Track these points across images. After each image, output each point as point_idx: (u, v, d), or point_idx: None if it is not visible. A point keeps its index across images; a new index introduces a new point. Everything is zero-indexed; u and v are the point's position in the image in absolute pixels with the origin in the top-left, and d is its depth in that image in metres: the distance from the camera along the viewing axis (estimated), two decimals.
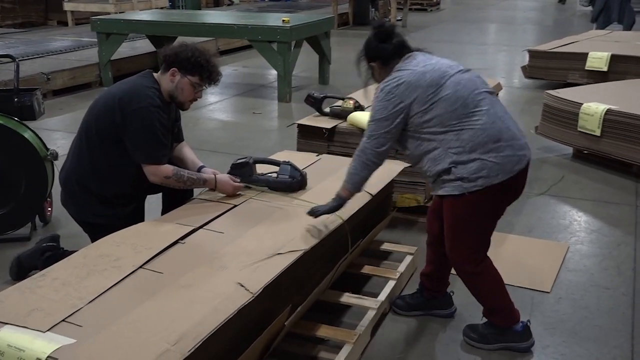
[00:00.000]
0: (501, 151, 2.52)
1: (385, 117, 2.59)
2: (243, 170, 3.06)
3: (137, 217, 3.09)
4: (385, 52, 2.70)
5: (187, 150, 3.24)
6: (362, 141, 2.65)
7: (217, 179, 2.99)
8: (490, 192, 2.53)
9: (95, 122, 3.00)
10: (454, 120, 2.53)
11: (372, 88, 2.80)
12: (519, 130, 2.64)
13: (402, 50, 2.72)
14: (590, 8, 12.80)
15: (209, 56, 3.01)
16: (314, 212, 2.69)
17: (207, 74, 2.99)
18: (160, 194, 3.29)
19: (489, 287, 2.78)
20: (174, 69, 2.95)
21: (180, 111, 3.21)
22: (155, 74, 3.04)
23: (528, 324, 2.79)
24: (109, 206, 3.06)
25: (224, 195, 3.02)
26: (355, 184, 2.68)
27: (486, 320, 2.83)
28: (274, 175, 3.09)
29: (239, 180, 3.03)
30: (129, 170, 3.01)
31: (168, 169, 2.95)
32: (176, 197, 3.11)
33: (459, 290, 2.97)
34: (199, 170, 3.14)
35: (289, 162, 3.11)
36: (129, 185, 3.08)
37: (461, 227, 2.66)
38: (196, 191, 3.20)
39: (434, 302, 3.02)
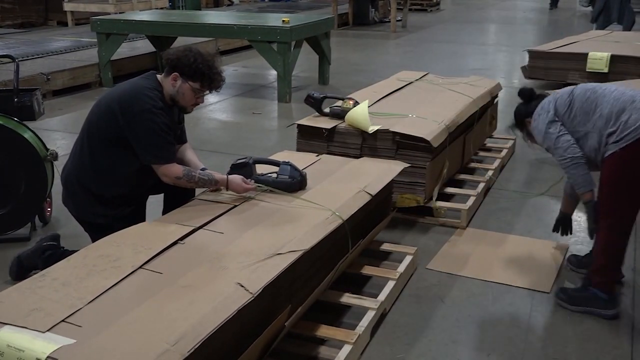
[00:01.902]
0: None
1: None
2: (243, 171, 3.06)
3: (138, 217, 3.08)
4: (532, 108, 3.30)
5: (189, 153, 3.22)
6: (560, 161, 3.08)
7: (229, 179, 2.97)
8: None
9: (97, 123, 3.00)
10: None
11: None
12: None
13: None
14: (590, 8, 12.81)
15: (212, 62, 2.99)
16: (591, 232, 3.15)
17: (208, 81, 2.98)
18: (161, 195, 3.29)
19: (613, 248, 3.05)
20: (175, 73, 2.94)
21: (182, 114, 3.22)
22: (158, 76, 3.03)
23: (618, 295, 3.07)
24: (109, 206, 3.06)
25: (224, 195, 3.02)
26: (588, 184, 3.02)
27: (582, 284, 3.15)
28: (274, 175, 3.09)
29: (251, 182, 3.01)
30: (128, 171, 3.01)
31: (179, 169, 2.94)
32: (177, 198, 3.11)
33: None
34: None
35: (288, 162, 3.11)
36: (129, 186, 3.08)
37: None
38: (197, 192, 3.21)
39: (598, 301, 3.04)
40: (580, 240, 3.82)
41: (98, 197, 3.05)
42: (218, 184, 2.99)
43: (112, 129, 2.94)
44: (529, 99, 3.43)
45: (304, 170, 3.14)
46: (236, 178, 2.98)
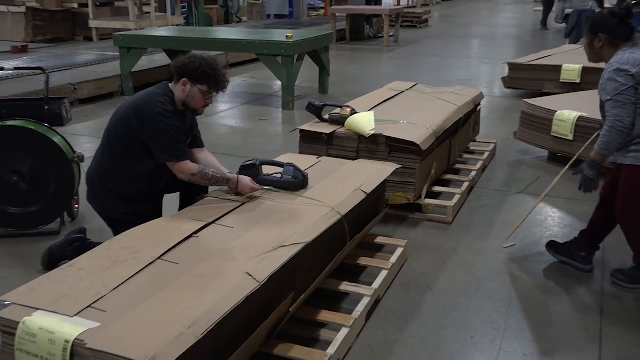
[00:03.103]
0: None
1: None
2: (251, 171, 3.06)
3: (155, 214, 3.09)
4: (615, 32, 2.89)
5: (210, 157, 3.22)
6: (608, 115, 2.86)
7: (239, 179, 2.97)
8: None
9: (116, 128, 3.02)
10: None
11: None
12: None
13: (630, 39, 2.91)
14: (564, 25, 12.82)
15: (216, 65, 3.00)
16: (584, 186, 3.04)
17: (214, 83, 2.98)
18: (177, 194, 3.30)
19: None
20: (184, 79, 2.95)
21: (196, 119, 3.22)
22: (170, 85, 3.04)
23: None
24: (128, 204, 3.06)
25: (234, 194, 3.02)
26: (610, 150, 2.92)
27: (635, 265, 3.14)
28: (279, 175, 3.09)
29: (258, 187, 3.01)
30: (144, 172, 3.02)
31: (193, 166, 2.95)
32: (191, 196, 3.12)
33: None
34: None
35: (292, 163, 3.11)
36: (144, 185, 3.08)
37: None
38: (209, 190, 3.21)
39: None
40: (554, 234, 3.83)
41: (118, 195, 3.05)
42: (229, 182, 2.98)
43: (128, 133, 2.94)
44: (626, 16, 2.90)
45: (305, 171, 3.14)
46: (245, 179, 2.98)
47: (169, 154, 2.92)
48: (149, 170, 3.01)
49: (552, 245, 3.49)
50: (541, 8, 16.19)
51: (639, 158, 2.93)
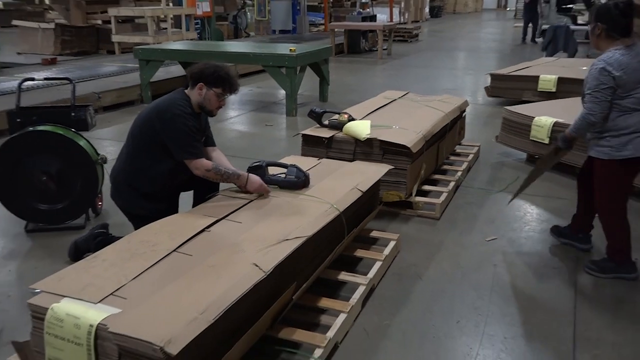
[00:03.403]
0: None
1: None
2: (257, 172, 3.05)
3: (172, 210, 3.08)
4: (614, 24, 2.82)
5: (221, 156, 3.21)
6: (586, 107, 2.91)
7: (249, 177, 2.97)
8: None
9: (140, 130, 3.00)
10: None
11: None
12: None
13: (628, 33, 2.83)
14: (541, 39, 12.81)
15: (228, 70, 3.02)
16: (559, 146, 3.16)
17: (228, 85, 3.00)
18: (191, 191, 3.29)
19: (618, 231, 3.09)
20: (200, 83, 2.96)
21: (208, 121, 3.21)
22: (186, 90, 3.04)
23: (635, 260, 3.12)
24: (150, 201, 3.05)
25: (243, 192, 3.01)
26: (581, 133, 3.03)
27: (606, 256, 3.16)
28: (283, 176, 3.09)
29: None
30: (165, 171, 3.01)
31: (208, 163, 2.95)
32: (204, 194, 3.11)
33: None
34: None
35: (295, 165, 3.11)
36: (166, 183, 3.07)
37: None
38: (220, 188, 3.20)
39: (623, 267, 3.12)
40: (532, 228, 3.82)
41: (141, 193, 3.05)
42: (239, 179, 2.98)
43: (150, 134, 2.94)
44: (624, 15, 2.81)
45: (307, 172, 3.14)
46: (254, 177, 2.98)
47: (187, 152, 2.91)
48: (169, 169, 3.00)
49: (555, 230, 3.59)
50: (520, 25, 16.20)
51: (608, 153, 2.95)
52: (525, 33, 15.27)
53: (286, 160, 3.49)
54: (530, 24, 15.08)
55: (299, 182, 3.04)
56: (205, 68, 2.98)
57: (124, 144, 3.12)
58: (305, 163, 3.47)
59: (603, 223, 3.14)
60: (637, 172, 3.08)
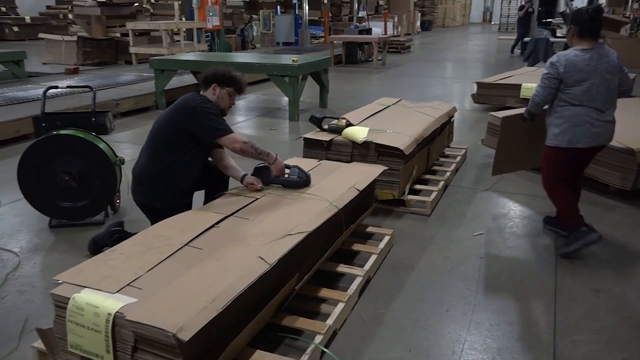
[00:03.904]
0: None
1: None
2: (263, 172, 3.04)
3: (187, 205, 3.05)
4: (584, 26, 3.01)
5: (231, 160, 3.18)
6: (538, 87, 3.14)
7: (277, 158, 3.00)
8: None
9: (161, 128, 2.96)
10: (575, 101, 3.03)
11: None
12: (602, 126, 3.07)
13: (595, 35, 3.01)
14: (519, 51, 12.80)
15: (237, 73, 3.08)
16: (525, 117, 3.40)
17: (239, 85, 3.05)
18: (202, 191, 3.27)
19: (562, 200, 3.28)
20: (214, 84, 2.98)
21: None
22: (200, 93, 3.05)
23: (590, 224, 3.20)
24: (169, 195, 2.99)
25: (249, 191, 3.00)
26: (531, 111, 3.32)
27: (562, 225, 3.39)
28: (286, 175, 3.08)
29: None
30: (186, 165, 2.96)
31: (243, 137, 2.92)
32: (214, 192, 3.10)
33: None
34: (242, 177, 3.07)
35: (297, 165, 3.10)
36: (187, 176, 3.01)
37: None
38: (229, 187, 3.19)
39: (581, 234, 3.17)
40: (515, 224, 3.81)
41: (161, 188, 2.96)
42: (269, 156, 2.98)
43: (174, 129, 2.90)
44: (593, 20, 3.00)
45: (308, 172, 3.13)
46: (280, 160, 3.00)
47: (218, 130, 2.87)
48: (190, 162, 2.97)
49: (546, 220, 3.70)
50: (504, 37, 16.16)
51: (550, 140, 3.18)
52: (515, 45, 15.16)
53: (289, 161, 3.48)
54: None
55: (300, 181, 3.03)
56: (218, 71, 3.03)
57: (148, 143, 3.03)
58: (307, 164, 3.46)
59: (549, 197, 3.34)
60: (577, 162, 3.23)
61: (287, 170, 3.08)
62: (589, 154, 3.17)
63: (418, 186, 4.29)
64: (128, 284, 1.99)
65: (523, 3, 14.61)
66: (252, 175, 3.06)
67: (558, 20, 14.21)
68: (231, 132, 2.90)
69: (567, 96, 3.05)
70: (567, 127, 3.06)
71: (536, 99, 3.17)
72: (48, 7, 20.49)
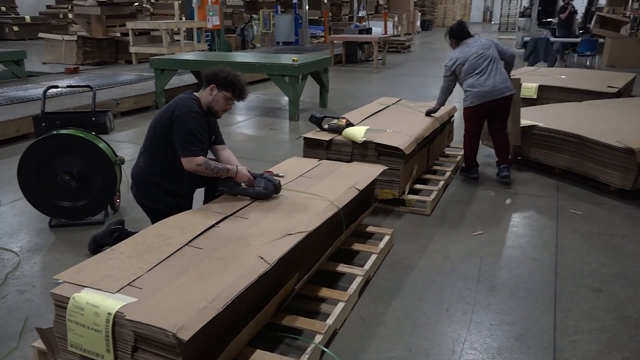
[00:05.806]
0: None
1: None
2: (227, 184, 2.92)
3: (187, 205, 3.05)
4: (459, 35, 4.42)
5: (227, 153, 3.16)
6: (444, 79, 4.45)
7: (238, 170, 2.91)
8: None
9: (155, 130, 2.95)
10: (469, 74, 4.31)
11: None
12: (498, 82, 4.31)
13: (466, 37, 4.39)
14: (523, 50, 12.77)
15: (240, 78, 2.97)
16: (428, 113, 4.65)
17: (238, 91, 2.95)
18: (202, 189, 3.26)
19: (467, 149, 4.56)
20: (213, 85, 2.92)
21: (217, 123, 3.17)
22: (195, 93, 3.00)
23: (477, 166, 4.62)
24: (168, 196, 3.00)
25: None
26: (439, 103, 4.60)
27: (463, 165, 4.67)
28: (253, 188, 2.91)
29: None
30: (180, 167, 2.95)
31: (199, 159, 2.83)
32: (214, 192, 3.09)
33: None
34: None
35: (263, 174, 2.94)
36: (184, 177, 3.00)
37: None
38: None
39: (468, 170, 4.63)
40: (515, 224, 3.81)
41: (162, 188, 2.97)
42: (230, 172, 2.90)
43: (168, 132, 2.88)
44: (462, 35, 4.40)
45: (278, 178, 2.97)
46: (243, 169, 2.91)
47: (182, 148, 2.83)
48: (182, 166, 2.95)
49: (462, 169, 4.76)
50: (504, 37, 16.14)
51: (465, 103, 4.39)
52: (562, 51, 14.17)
53: (288, 162, 3.48)
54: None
55: (267, 192, 2.88)
56: (220, 71, 2.94)
57: (143, 145, 3.08)
58: (307, 164, 3.46)
59: (463, 144, 4.54)
60: (483, 115, 4.41)
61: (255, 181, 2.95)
62: (493, 107, 4.35)
63: (418, 186, 4.29)
64: (128, 284, 1.99)
65: (563, 4, 13.01)
66: (218, 187, 3.00)
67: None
68: (198, 155, 2.82)
69: (464, 69, 4.32)
70: (469, 91, 4.34)
71: (443, 87, 4.52)
72: (48, 7, 20.49)
